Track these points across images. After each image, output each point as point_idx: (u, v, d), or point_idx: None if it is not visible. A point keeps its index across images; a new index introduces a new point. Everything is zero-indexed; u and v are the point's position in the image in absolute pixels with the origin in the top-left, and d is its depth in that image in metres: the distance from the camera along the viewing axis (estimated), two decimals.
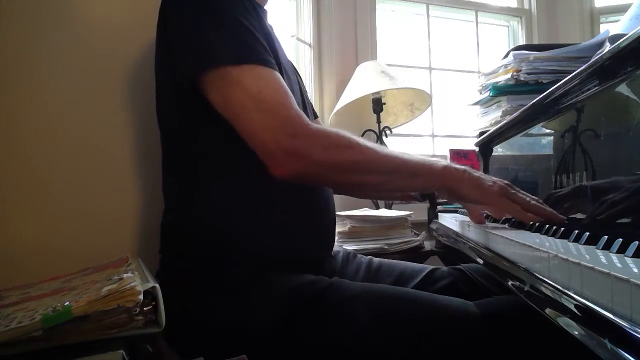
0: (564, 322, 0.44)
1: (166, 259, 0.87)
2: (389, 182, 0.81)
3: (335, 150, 0.75)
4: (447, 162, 0.82)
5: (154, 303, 0.55)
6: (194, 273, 0.81)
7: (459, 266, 1.05)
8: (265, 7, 0.96)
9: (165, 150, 0.92)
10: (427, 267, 1.04)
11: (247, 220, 0.81)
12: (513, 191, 0.80)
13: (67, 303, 0.53)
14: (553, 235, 0.66)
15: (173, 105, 0.86)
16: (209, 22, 0.78)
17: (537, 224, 0.77)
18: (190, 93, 0.79)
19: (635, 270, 0.40)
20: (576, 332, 0.41)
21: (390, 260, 1.09)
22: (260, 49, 0.79)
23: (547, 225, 0.72)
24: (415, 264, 1.09)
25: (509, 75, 1.24)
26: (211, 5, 0.80)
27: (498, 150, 1.23)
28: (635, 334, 0.34)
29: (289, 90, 0.78)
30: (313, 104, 2.00)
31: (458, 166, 0.82)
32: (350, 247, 1.35)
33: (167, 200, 0.91)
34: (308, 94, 2.01)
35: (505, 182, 0.82)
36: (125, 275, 0.57)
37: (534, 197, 0.81)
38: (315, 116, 1.12)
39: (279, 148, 0.73)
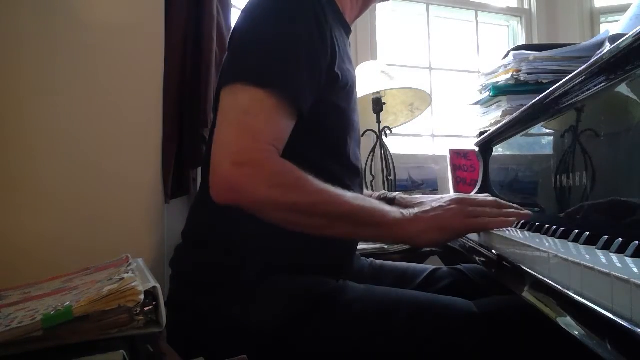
0: (564, 322, 0.44)
1: (185, 243, 0.88)
2: (331, 227, 0.76)
3: (278, 188, 0.72)
4: (401, 212, 0.77)
5: (154, 303, 0.54)
6: (204, 267, 0.81)
7: (458, 266, 1.05)
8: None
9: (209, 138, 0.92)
10: (428, 267, 1.04)
11: (265, 224, 0.78)
12: (470, 208, 0.77)
13: (68, 303, 0.53)
14: (553, 235, 0.66)
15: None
16: (259, 37, 0.77)
17: (536, 224, 0.77)
18: None
19: (635, 270, 0.40)
20: (576, 332, 0.41)
21: (392, 262, 1.09)
22: (293, 79, 0.75)
23: (547, 225, 0.72)
24: (417, 264, 1.09)
25: (509, 75, 1.24)
26: (272, 20, 0.78)
27: (498, 150, 1.23)
28: (635, 334, 0.34)
29: (280, 129, 0.75)
30: None
31: (408, 214, 0.77)
32: None
33: (204, 190, 0.90)
34: None
35: (454, 198, 0.79)
36: (126, 275, 0.57)
37: (488, 198, 0.81)
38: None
39: (222, 175, 0.71)
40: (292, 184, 0.73)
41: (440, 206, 0.78)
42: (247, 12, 0.82)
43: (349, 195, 0.77)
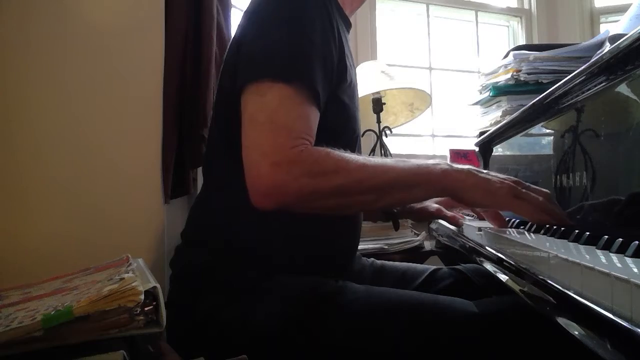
0: (564, 322, 0.44)
1: (185, 243, 0.88)
2: (383, 198, 0.76)
3: (321, 176, 0.71)
4: (446, 163, 0.77)
5: (155, 303, 0.54)
6: (204, 268, 0.81)
7: (459, 266, 1.05)
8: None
9: (213, 134, 0.91)
10: (429, 267, 1.04)
11: (266, 224, 0.79)
12: (524, 190, 0.75)
13: (68, 303, 0.53)
14: (553, 235, 0.66)
15: (225, 105, 0.84)
16: (283, 35, 0.76)
17: (537, 224, 0.77)
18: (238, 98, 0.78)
19: (635, 270, 0.40)
20: (576, 332, 0.41)
21: (392, 262, 1.09)
22: (313, 77, 0.74)
23: (547, 225, 0.72)
24: (417, 264, 1.09)
25: (509, 75, 1.24)
26: (294, 18, 0.77)
27: (498, 150, 1.23)
28: (635, 334, 0.34)
29: (310, 123, 0.75)
30: None
31: (460, 167, 0.76)
32: None
33: (204, 190, 0.91)
34: None
35: (514, 179, 0.77)
36: (126, 275, 0.57)
37: (543, 190, 0.77)
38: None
39: (260, 180, 0.70)
40: (333, 168, 0.72)
41: (496, 175, 0.77)
42: (254, 13, 0.81)
43: (389, 161, 0.77)
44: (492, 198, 0.75)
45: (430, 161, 0.78)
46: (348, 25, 0.94)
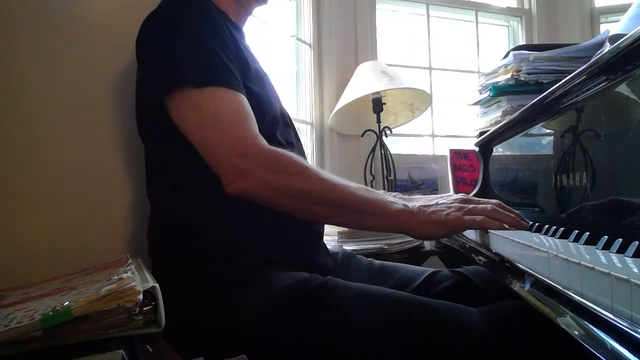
0: (564, 322, 0.44)
1: (158, 259, 0.88)
2: (336, 216, 0.81)
3: (283, 175, 0.76)
4: (404, 204, 0.80)
5: (153, 303, 0.54)
6: (187, 272, 0.81)
7: (460, 269, 1.04)
8: (245, 28, 1.02)
9: (151, 154, 0.94)
10: (427, 270, 1.03)
11: (240, 218, 0.81)
12: (471, 206, 0.79)
13: (67, 303, 0.52)
14: (553, 235, 0.66)
15: (152, 117, 0.87)
16: (178, 46, 0.82)
17: (537, 224, 0.77)
18: (162, 111, 0.82)
19: (635, 270, 0.40)
20: (576, 332, 0.41)
21: (391, 263, 1.08)
22: (226, 71, 0.81)
23: (547, 225, 0.72)
24: (416, 266, 1.08)
25: (509, 75, 1.24)
26: (181, 28, 0.83)
27: (498, 150, 1.23)
28: (635, 334, 0.34)
29: (249, 112, 0.80)
30: (313, 104, 2.01)
31: (411, 207, 0.80)
32: (350, 247, 1.35)
33: (156, 202, 0.92)
34: (304, 96, 2.03)
35: (459, 197, 0.82)
36: (124, 275, 0.57)
37: (492, 201, 0.81)
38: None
39: (229, 167, 0.76)
40: (297, 171, 0.77)
41: (443, 202, 0.82)
42: (150, 35, 0.87)
43: (352, 185, 0.81)
44: (446, 228, 0.79)
45: (391, 198, 0.82)
46: (240, 31, 0.99)
